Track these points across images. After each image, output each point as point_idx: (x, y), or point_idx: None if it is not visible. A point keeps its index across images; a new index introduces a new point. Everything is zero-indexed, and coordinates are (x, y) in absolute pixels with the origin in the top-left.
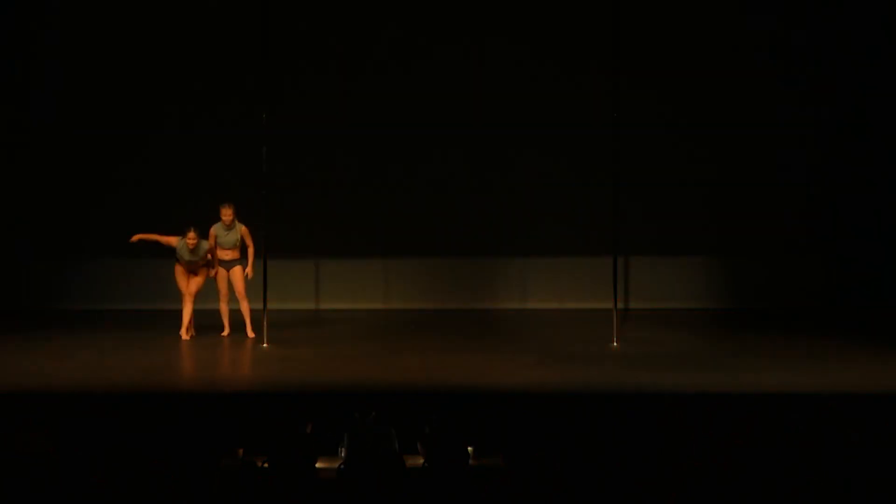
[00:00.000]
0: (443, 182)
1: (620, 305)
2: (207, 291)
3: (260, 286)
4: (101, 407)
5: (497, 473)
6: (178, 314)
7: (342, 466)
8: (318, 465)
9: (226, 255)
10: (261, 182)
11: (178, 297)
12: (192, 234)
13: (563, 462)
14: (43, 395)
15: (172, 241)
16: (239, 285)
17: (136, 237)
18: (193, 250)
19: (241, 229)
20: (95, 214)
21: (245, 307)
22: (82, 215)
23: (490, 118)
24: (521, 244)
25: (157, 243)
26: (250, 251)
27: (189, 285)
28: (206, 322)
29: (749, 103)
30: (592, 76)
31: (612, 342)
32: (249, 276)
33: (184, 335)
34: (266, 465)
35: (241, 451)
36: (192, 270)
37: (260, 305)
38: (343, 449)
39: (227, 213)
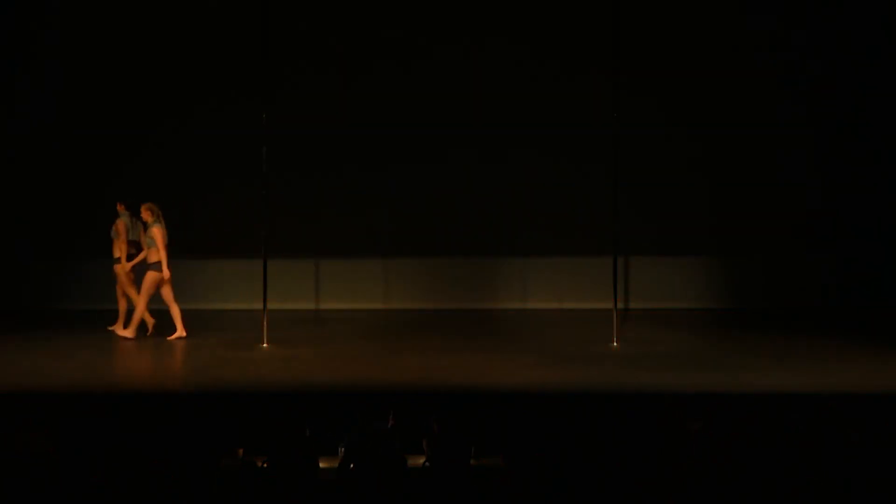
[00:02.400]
0: (443, 182)
1: (620, 305)
2: (202, 293)
3: (260, 286)
4: (101, 407)
5: (497, 473)
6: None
7: (342, 466)
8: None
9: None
10: (261, 182)
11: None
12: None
13: (563, 462)
14: (43, 395)
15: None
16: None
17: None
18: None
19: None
20: (96, 214)
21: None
22: (82, 215)
23: (490, 118)
24: (521, 244)
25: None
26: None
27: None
28: (206, 322)
29: (749, 103)
30: (592, 76)
31: (612, 342)
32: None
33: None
34: (266, 465)
35: (241, 451)
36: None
37: (259, 305)
38: (342, 449)
39: (121, 208)
